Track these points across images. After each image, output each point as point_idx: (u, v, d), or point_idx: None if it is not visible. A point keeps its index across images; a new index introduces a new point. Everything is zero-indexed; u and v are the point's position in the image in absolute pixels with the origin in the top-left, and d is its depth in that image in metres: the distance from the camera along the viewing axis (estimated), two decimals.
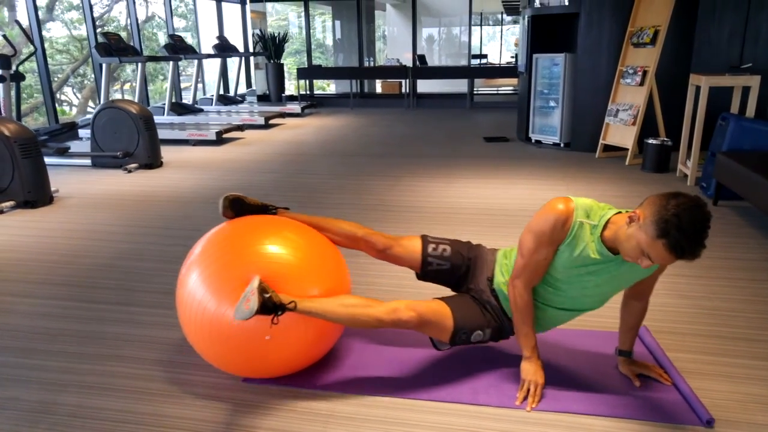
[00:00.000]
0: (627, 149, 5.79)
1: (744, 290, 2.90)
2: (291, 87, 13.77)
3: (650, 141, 5.36)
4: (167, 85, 9.29)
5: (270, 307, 1.85)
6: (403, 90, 11.96)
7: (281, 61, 12.18)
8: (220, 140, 7.75)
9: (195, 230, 3.97)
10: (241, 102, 11.57)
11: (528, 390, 2.05)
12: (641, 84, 5.64)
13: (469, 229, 3.84)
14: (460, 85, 11.98)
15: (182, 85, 11.01)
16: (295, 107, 10.63)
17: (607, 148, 6.17)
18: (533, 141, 7.01)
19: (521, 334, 2.08)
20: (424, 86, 12.09)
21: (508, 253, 2.22)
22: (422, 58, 11.83)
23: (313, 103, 11.58)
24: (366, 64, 13.01)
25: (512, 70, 11.01)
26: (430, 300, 2.13)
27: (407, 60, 12.14)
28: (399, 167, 5.92)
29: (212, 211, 4.46)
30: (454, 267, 2.25)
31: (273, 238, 2.09)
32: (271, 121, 9.79)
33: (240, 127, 8.25)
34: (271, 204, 2.37)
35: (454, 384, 2.13)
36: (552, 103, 6.65)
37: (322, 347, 2.16)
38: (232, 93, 12.05)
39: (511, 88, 13.48)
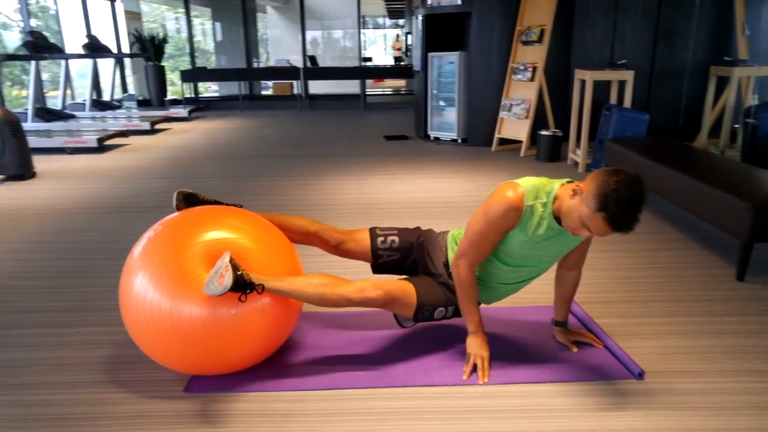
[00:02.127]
0: (521, 142, 6.16)
1: (643, 259, 3.19)
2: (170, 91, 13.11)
3: (542, 133, 5.73)
4: (29, 89, 8.42)
5: (241, 284, 1.85)
6: (295, 91, 11.84)
7: (162, 64, 11.55)
8: (102, 147, 7.19)
9: (83, 242, 3.66)
10: (119, 107, 10.81)
11: (474, 364, 2.11)
12: (532, 79, 6.03)
13: (390, 223, 3.88)
14: (350, 87, 12.09)
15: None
16: (181, 111, 10.13)
17: (503, 141, 6.52)
18: (432, 138, 7.23)
19: (466, 311, 2.15)
20: (316, 87, 12.05)
21: (457, 236, 2.27)
22: (313, 59, 11.77)
23: (200, 107, 11.11)
24: (254, 65, 12.71)
25: (406, 70, 11.31)
26: (395, 279, 2.16)
27: (296, 62, 12.02)
28: (305, 167, 5.84)
29: (105, 220, 4.13)
30: (404, 256, 2.30)
31: (227, 224, 2.07)
32: (157, 126, 9.26)
33: (123, 133, 7.72)
34: (224, 201, 2.34)
35: (407, 367, 2.14)
36: (448, 101, 6.90)
37: (281, 337, 2.12)
38: (107, 97, 11.22)
39: (401, 88, 13.83)
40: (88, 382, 2.10)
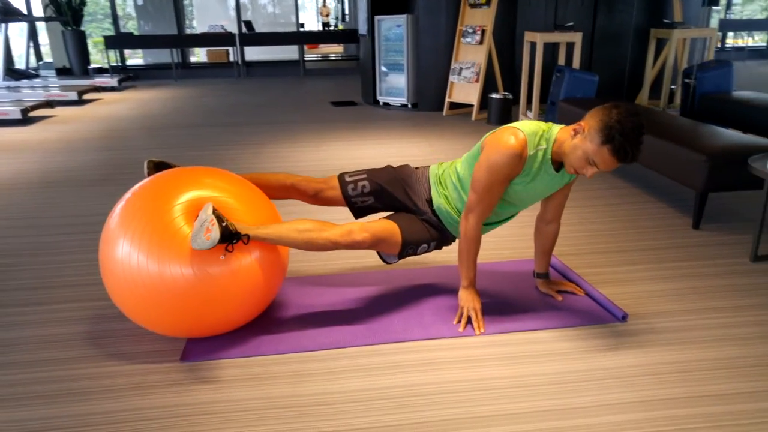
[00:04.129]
0: (472, 105, 6.24)
1: (605, 213, 3.35)
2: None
3: (493, 96, 5.83)
4: None
5: (227, 235, 1.83)
6: (231, 58, 11.41)
7: (82, 29, 10.80)
8: (26, 119, 6.72)
9: (31, 219, 3.44)
10: (36, 76, 10.06)
11: (468, 316, 2.17)
12: (481, 42, 6.08)
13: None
14: (287, 53, 11.77)
15: None
16: (109, 80, 9.55)
17: (453, 105, 6.58)
18: (381, 103, 7.19)
19: (465, 265, 2.18)
20: (253, 54, 11.66)
21: (442, 176, 2.26)
22: (249, 24, 11.34)
23: (129, 76, 10.52)
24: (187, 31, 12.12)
25: (350, 34, 11.10)
26: (379, 219, 2.18)
27: (229, 27, 11.54)
28: (256, 135, 5.69)
29: (47, 196, 3.89)
30: (378, 199, 2.30)
31: (205, 183, 2.02)
32: (86, 97, 8.73)
33: (50, 104, 7.26)
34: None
35: (403, 323, 2.17)
36: (397, 66, 6.87)
37: (271, 291, 2.10)
38: (23, 66, 10.39)
39: (338, 54, 13.61)
40: (81, 357, 2.01)
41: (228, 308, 1.95)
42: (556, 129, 2.03)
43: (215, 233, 1.77)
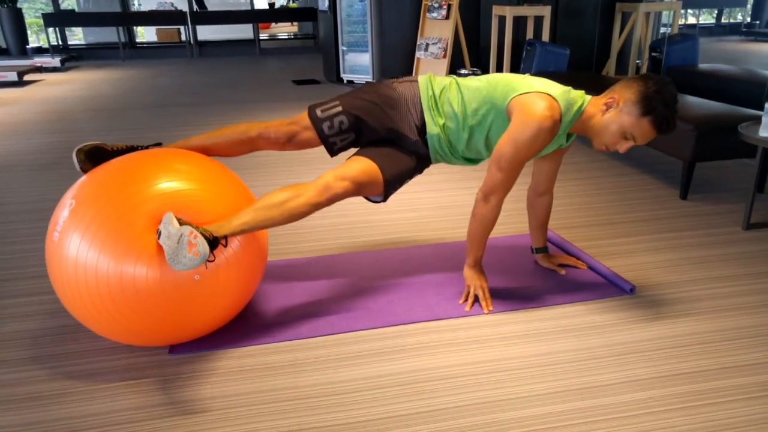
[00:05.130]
0: None
1: (591, 186, 3.30)
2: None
3: (462, 72, 5.71)
4: None
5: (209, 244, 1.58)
6: (183, 38, 10.91)
7: (18, 6, 10.08)
8: None
9: None
10: None
11: (475, 295, 2.06)
12: (447, 17, 5.94)
13: (335, 164, 3.69)
14: (242, 32, 11.34)
15: None
16: (51, 60, 8.95)
17: None
18: (345, 81, 6.98)
19: (476, 246, 2.04)
20: (205, 33, 11.17)
21: (439, 99, 1.98)
22: (200, 2, 10.84)
23: (73, 56, 9.91)
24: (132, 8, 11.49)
25: (306, 12, 10.76)
26: (354, 160, 1.92)
27: (179, 5, 11.01)
28: (219, 114, 5.41)
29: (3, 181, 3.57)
30: (360, 134, 1.99)
31: (162, 172, 1.70)
32: (27, 78, 8.17)
33: None
34: (138, 144, 1.96)
35: (406, 305, 2.04)
36: (360, 42, 6.66)
37: (254, 284, 1.88)
38: None
39: (293, 33, 13.23)
40: (55, 354, 1.79)
41: (208, 309, 1.71)
42: (586, 100, 1.88)
43: (202, 246, 1.50)
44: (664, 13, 6.48)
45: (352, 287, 2.19)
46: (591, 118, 1.85)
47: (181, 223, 1.57)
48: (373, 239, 2.61)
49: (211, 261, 1.63)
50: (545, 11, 5.15)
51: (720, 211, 2.88)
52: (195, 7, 10.59)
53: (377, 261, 2.39)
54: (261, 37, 11.14)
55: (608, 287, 2.15)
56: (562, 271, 2.26)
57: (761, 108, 3.71)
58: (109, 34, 11.01)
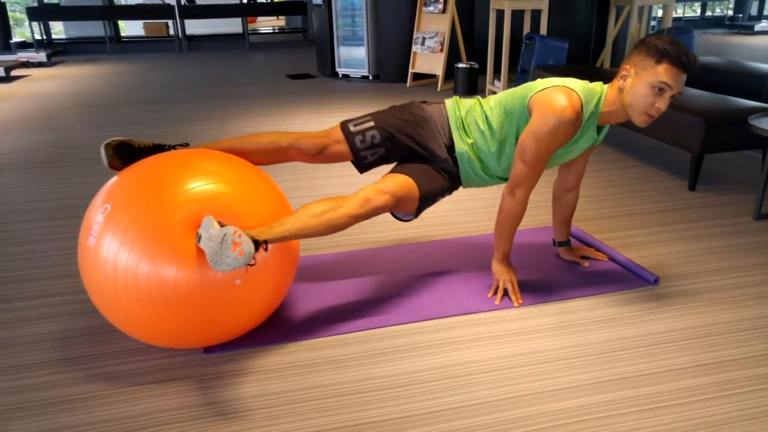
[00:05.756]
0: (436, 76, 6.11)
1: (599, 179, 3.33)
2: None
3: (459, 65, 5.72)
4: None
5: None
6: (171, 32, 10.76)
7: (2, 1, 9.86)
8: None
9: None
10: None
11: (504, 289, 2.08)
12: (443, 11, 5.94)
13: None
14: (231, 26, 11.24)
15: None
16: (36, 55, 8.79)
17: (417, 76, 6.43)
18: (341, 75, 6.95)
19: (504, 240, 2.06)
20: (193, 27, 11.05)
21: (465, 120, 2.03)
22: None
23: (59, 50, 9.74)
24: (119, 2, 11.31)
25: (296, 5, 10.68)
26: (391, 175, 1.94)
27: None
28: (215, 110, 5.36)
29: None
30: (390, 150, 2.03)
31: (196, 174, 1.68)
32: (13, 73, 8.00)
33: None
34: (165, 143, 1.93)
35: (436, 300, 2.06)
36: (356, 36, 6.63)
37: (283, 291, 1.87)
38: None
39: (282, 27, 13.13)
40: (90, 355, 1.77)
41: (246, 311, 1.71)
42: (605, 88, 1.91)
43: (247, 245, 1.50)
44: (655, 7, 6.55)
45: (380, 283, 2.19)
46: (617, 100, 1.87)
47: (222, 225, 1.56)
48: (394, 234, 2.62)
49: (252, 265, 1.62)
50: (543, 5, 5.18)
51: (729, 202, 2.93)
52: (183, 1, 10.46)
53: (401, 256, 2.40)
54: (250, 31, 11.04)
55: (632, 278, 2.19)
56: (586, 263, 2.29)
57: (759, 99, 3.78)
58: (90, 29, 10.83)
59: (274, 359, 1.76)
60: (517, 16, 5.58)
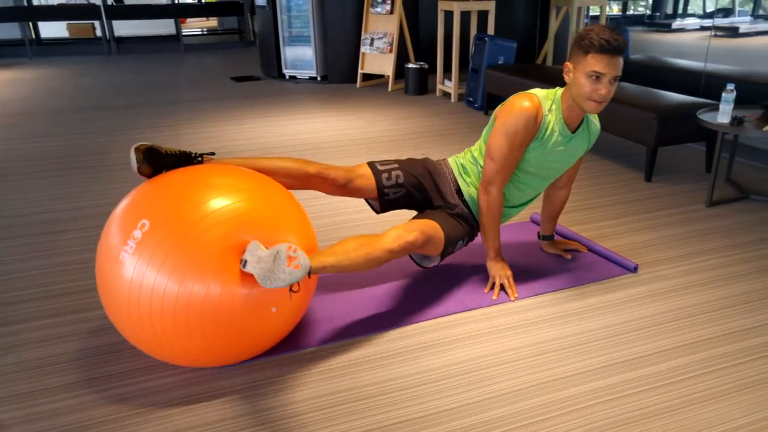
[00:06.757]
0: (386, 76, 6.17)
1: None
2: None
3: (410, 66, 5.81)
4: None
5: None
6: (98, 33, 10.27)
7: None
8: None
9: None
10: None
11: (501, 285, 2.17)
12: (391, 12, 6.01)
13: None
14: (162, 27, 10.86)
15: None
16: None
17: (367, 77, 6.47)
18: (287, 77, 6.88)
19: (491, 237, 2.16)
20: (124, 28, 10.60)
21: (465, 163, 2.22)
22: None
23: None
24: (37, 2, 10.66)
25: (232, 6, 10.44)
26: (415, 219, 2.04)
27: None
28: (162, 116, 5.18)
29: None
30: (410, 191, 2.18)
31: (234, 193, 1.65)
32: None
33: None
34: (190, 151, 1.88)
35: (437, 300, 2.11)
36: (303, 37, 6.58)
37: (307, 303, 1.86)
38: None
39: (215, 29, 12.82)
40: (106, 376, 1.70)
41: (277, 329, 1.71)
42: (559, 90, 2.08)
43: (303, 258, 1.51)
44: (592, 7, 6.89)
45: (380, 286, 2.22)
46: (566, 96, 2.03)
47: (270, 248, 1.55)
48: None
49: (296, 291, 1.63)
50: (490, 6, 5.35)
51: (683, 191, 3.16)
52: (111, 1, 10.00)
53: (394, 263, 2.42)
54: (183, 33, 10.71)
55: (613, 267, 2.33)
56: (568, 256, 2.41)
57: (694, 94, 4.08)
58: (5, 30, 10.14)
59: (286, 369, 1.76)
60: (465, 16, 5.73)
